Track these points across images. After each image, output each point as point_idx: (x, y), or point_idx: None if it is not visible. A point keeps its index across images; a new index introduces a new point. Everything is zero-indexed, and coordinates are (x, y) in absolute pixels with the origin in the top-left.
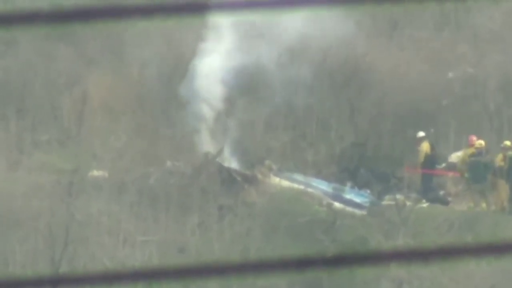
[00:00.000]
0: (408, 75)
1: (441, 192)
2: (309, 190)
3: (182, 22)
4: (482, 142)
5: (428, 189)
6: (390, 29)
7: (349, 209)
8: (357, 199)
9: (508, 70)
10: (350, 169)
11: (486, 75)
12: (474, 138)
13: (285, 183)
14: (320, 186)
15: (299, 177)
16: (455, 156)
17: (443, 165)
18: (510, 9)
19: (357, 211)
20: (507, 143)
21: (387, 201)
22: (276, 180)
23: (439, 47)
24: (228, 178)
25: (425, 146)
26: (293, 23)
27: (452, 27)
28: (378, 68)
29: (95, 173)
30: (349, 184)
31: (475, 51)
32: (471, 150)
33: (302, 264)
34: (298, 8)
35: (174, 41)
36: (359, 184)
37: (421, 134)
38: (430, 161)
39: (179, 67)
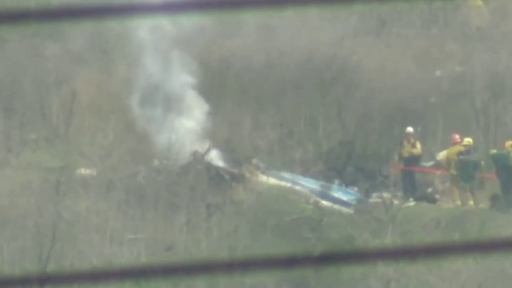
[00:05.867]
0: (396, 73)
1: (429, 190)
2: (297, 188)
3: (176, 20)
4: (470, 139)
5: (415, 187)
6: (378, 27)
7: (336, 207)
8: (345, 197)
9: (495, 69)
10: (337, 167)
11: (474, 73)
12: (457, 136)
13: (273, 181)
14: (308, 184)
15: (286, 175)
16: (443, 154)
17: (431, 163)
18: (497, 7)
19: (344, 209)
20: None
21: (374, 198)
22: (263, 178)
23: (427, 45)
24: (215, 176)
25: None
26: (280, 24)
27: (440, 25)
28: (366, 66)
29: (83, 171)
30: (336, 182)
31: (463, 49)
32: (457, 148)
33: (290, 262)
34: (286, 8)
35: (168, 39)
36: (347, 182)
37: (410, 129)
38: (418, 159)
39: (171, 65)
